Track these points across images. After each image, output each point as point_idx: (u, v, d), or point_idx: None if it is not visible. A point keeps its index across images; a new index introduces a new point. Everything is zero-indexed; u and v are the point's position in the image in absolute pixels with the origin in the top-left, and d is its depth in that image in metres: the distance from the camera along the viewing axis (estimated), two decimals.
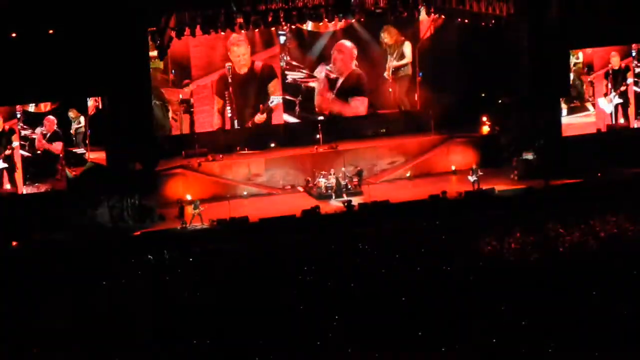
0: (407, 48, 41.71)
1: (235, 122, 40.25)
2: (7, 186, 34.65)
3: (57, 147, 34.97)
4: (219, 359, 23.65)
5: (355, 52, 41.18)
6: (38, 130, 34.76)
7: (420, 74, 41.71)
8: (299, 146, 39.85)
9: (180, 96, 39.75)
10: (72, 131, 35.20)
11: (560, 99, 38.37)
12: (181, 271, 29.73)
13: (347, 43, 41.07)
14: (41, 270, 30.04)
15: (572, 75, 38.69)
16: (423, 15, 40.54)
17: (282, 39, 40.46)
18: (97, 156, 35.20)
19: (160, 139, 38.17)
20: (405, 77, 41.88)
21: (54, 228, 33.24)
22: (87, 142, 35.17)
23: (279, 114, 40.85)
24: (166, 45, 36.20)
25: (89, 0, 33.25)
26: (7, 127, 34.56)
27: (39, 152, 34.87)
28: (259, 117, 40.50)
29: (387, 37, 41.51)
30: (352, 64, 41.26)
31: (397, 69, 41.84)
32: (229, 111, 40.12)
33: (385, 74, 41.74)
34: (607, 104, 39.19)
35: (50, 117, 34.94)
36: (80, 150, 35.23)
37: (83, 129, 35.21)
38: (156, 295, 27.85)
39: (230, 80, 39.81)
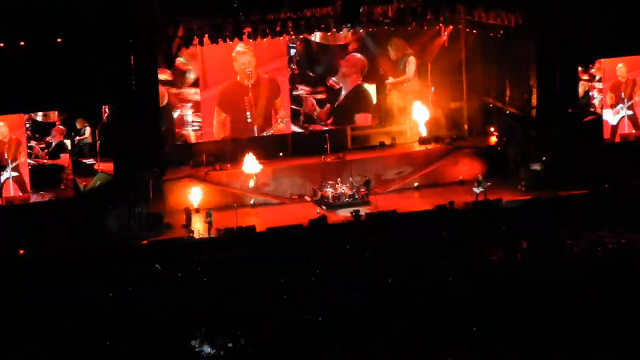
0: (411, 64, 41.56)
1: (255, 129, 40.27)
2: (16, 194, 34.66)
3: (63, 160, 34.87)
4: None
5: (364, 65, 41.11)
6: (48, 138, 34.76)
7: (432, 88, 41.59)
8: (307, 156, 39.86)
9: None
10: (76, 141, 35.21)
11: (568, 110, 38.23)
12: (188, 280, 29.73)
13: (357, 55, 40.97)
14: (47, 278, 30.02)
15: (580, 87, 38.59)
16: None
17: (292, 51, 40.45)
18: (105, 166, 35.16)
19: (168, 147, 38.18)
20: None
21: (61, 236, 33.22)
22: (97, 152, 35.08)
23: (287, 124, 40.91)
24: (174, 55, 36.22)
25: (97, 8, 33.27)
26: (15, 136, 34.53)
27: (44, 161, 34.85)
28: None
29: (393, 50, 41.43)
30: (359, 77, 41.18)
31: (399, 84, 41.69)
32: (249, 117, 40.14)
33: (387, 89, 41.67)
34: (613, 115, 39.05)
35: (60, 127, 34.88)
36: (90, 161, 35.20)
37: (88, 140, 35.15)
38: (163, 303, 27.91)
39: (250, 86, 39.89)
